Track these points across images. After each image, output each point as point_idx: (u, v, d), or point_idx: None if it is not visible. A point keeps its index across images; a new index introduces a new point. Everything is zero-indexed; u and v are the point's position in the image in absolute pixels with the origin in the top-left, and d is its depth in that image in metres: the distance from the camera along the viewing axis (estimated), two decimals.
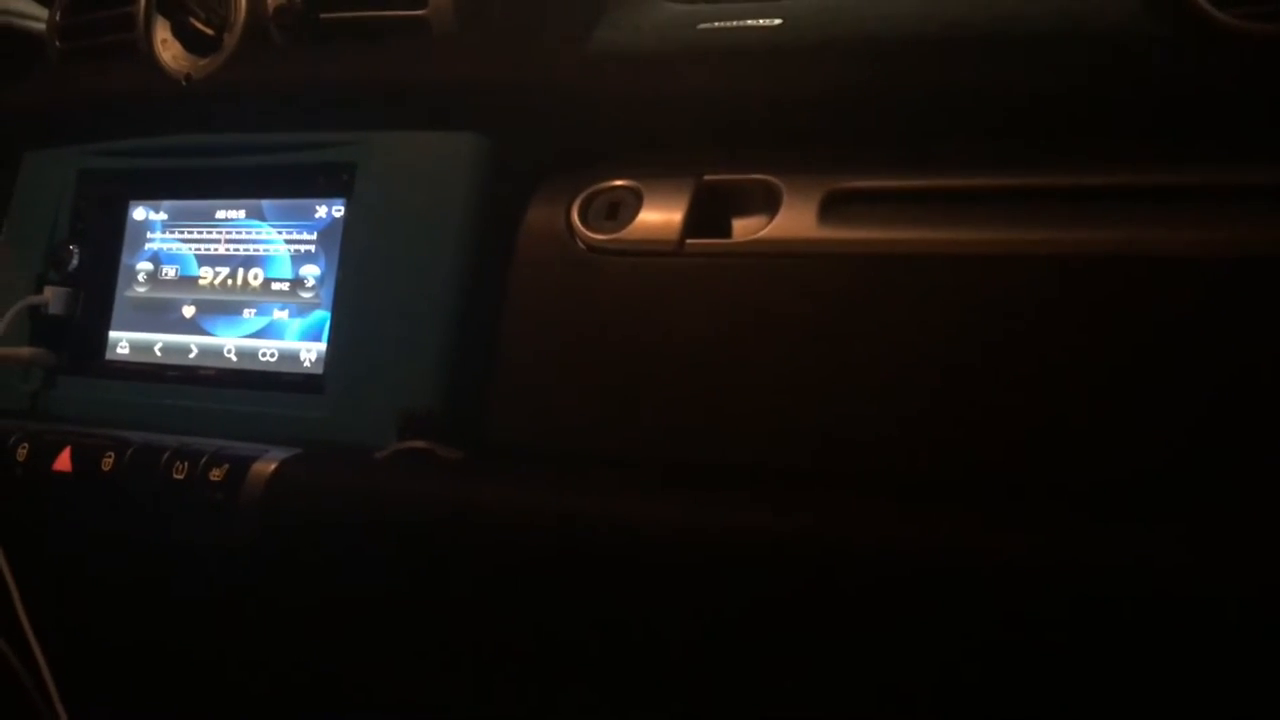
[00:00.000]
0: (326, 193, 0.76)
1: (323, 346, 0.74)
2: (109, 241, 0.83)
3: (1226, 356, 0.54)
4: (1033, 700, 0.53)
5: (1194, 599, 0.48)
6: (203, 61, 0.79)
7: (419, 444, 0.65)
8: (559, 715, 0.60)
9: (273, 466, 0.66)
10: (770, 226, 0.65)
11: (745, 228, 0.67)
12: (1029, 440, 0.58)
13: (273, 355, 0.76)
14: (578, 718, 0.60)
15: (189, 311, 0.80)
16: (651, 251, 0.68)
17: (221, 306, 0.78)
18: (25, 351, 0.81)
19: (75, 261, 0.82)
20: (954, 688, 0.54)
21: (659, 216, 0.68)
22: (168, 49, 0.80)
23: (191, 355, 0.79)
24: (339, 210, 0.76)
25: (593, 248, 0.69)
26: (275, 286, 0.77)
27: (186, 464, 0.67)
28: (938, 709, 0.55)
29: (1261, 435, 0.53)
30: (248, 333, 0.77)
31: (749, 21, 0.68)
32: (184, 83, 0.79)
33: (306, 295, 0.76)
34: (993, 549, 0.53)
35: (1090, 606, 0.50)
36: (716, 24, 0.69)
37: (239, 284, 0.78)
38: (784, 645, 0.57)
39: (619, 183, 0.70)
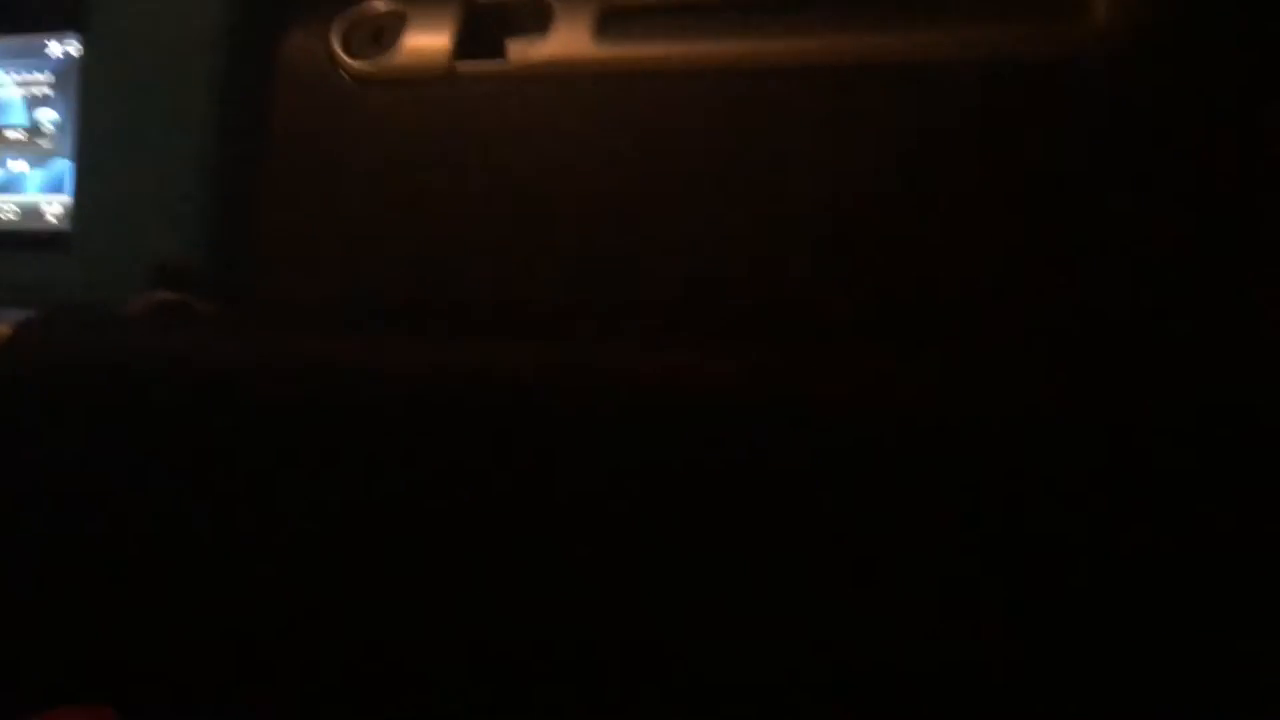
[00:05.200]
0: (58, 26, 0.68)
1: (67, 199, 0.67)
2: None
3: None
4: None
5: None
6: None
7: (170, 297, 0.59)
8: (330, 581, 0.57)
9: (7, 331, 0.60)
10: (543, 47, 0.61)
11: (518, 50, 0.62)
12: (819, 259, 0.56)
13: (13, 211, 0.69)
14: (345, 581, 0.56)
15: None
16: (420, 79, 0.62)
17: None
18: None
19: None
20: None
21: (426, 40, 0.63)
22: None
23: None
24: (74, 47, 0.68)
25: (357, 78, 0.63)
26: (10, 135, 0.69)
27: None
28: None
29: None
30: None
31: None
32: None
33: (45, 144, 0.68)
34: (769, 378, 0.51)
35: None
36: None
37: None
38: (553, 491, 0.55)
39: (381, 6, 0.64)
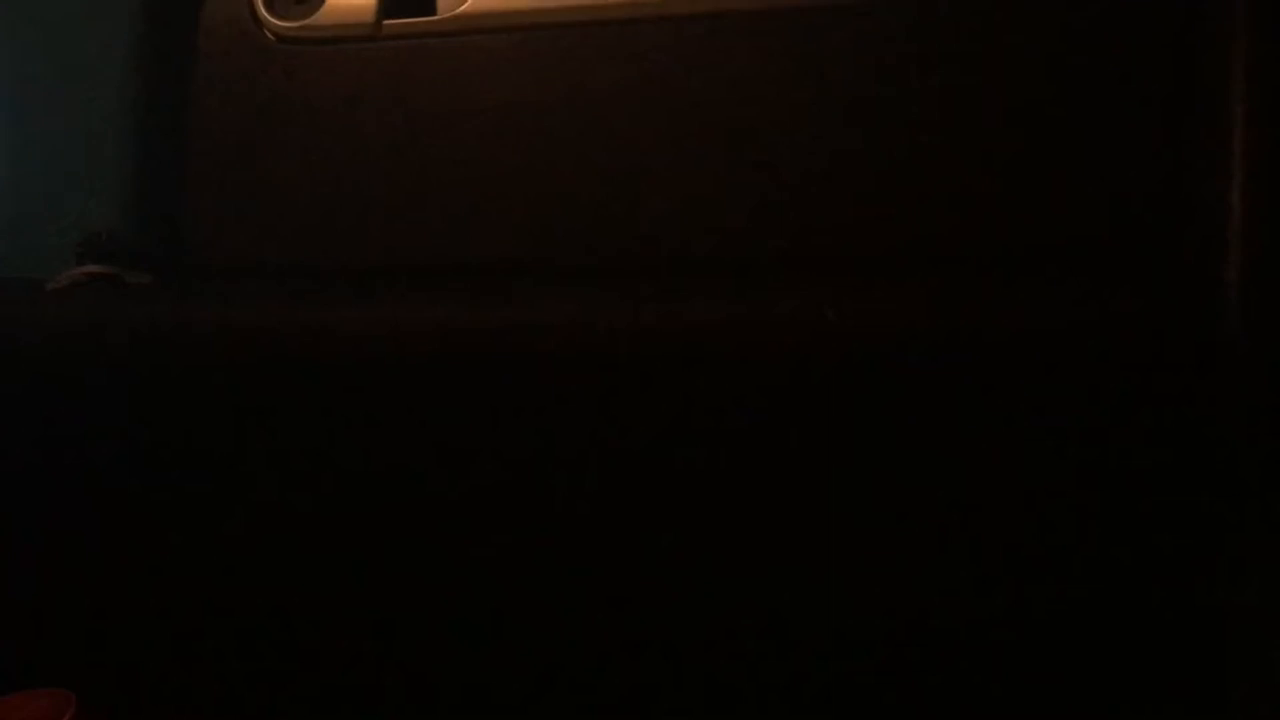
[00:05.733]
0: None
1: None
2: None
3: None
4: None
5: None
6: None
7: (98, 269, 0.58)
8: (268, 550, 0.56)
9: None
10: (470, 1, 0.60)
11: (446, 4, 0.61)
12: (755, 204, 0.55)
13: None
14: (282, 544, 0.56)
15: None
16: (346, 37, 0.61)
17: None
18: None
19: None
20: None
21: None
22: None
23: None
24: None
25: (282, 38, 0.62)
26: None
27: None
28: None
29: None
30: None
31: None
32: None
33: None
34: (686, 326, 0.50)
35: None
36: None
37: None
38: (515, 446, 0.54)
39: None
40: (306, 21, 0.61)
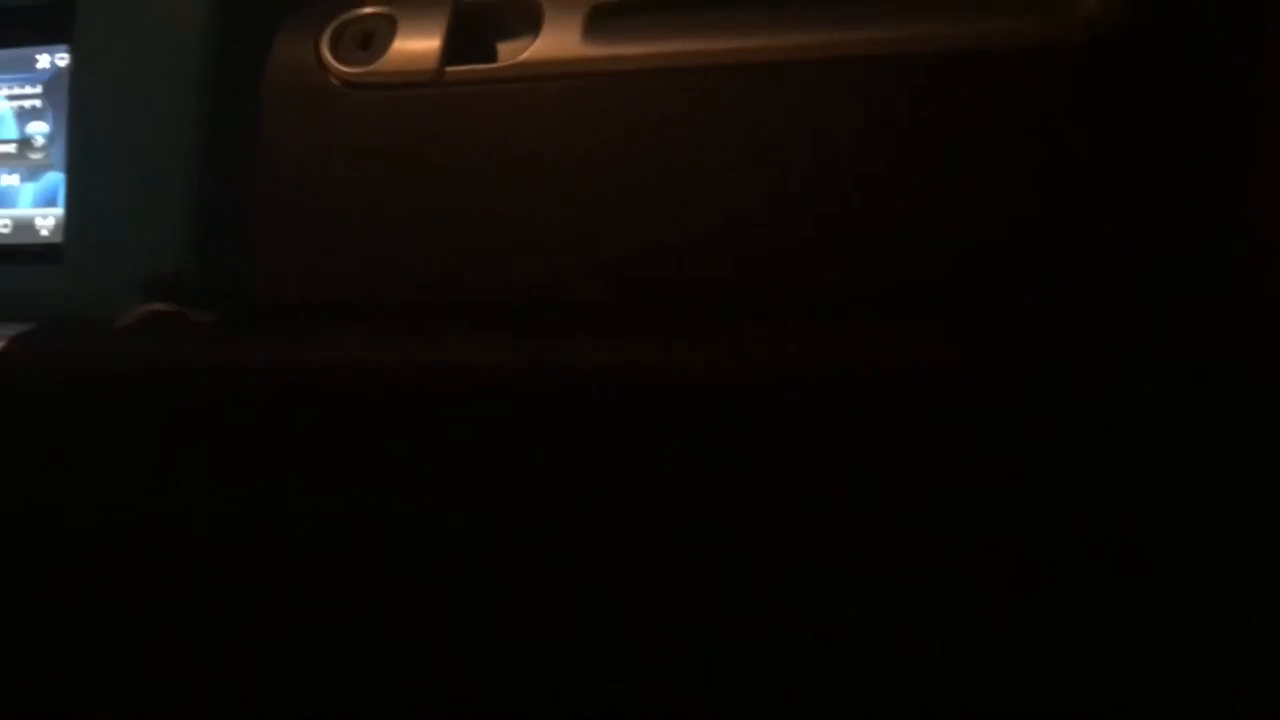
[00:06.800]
0: (45, 39, 0.68)
1: (60, 212, 0.67)
2: None
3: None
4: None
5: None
6: None
7: (164, 307, 0.59)
8: (337, 586, 0.57)
9: (3, 345, 0.59)
10: (532, 48, 0.61)
11: (508, 51, 0.62)
12: (811, 254, 0.55)
13: (5, 225, 0.69)
14: (344, 585, 0.56)
15: None
16: (410, 82, 0.62)
17: None
18: None
19: None
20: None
21: (415, 44, 0.63)
22: None
23: None
24: (62, 59, 0.67)
25: (346, 82, 0.63)
26: (1, 150, 0.69)
27: None
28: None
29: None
30: None
31: None
32: None
33: (36, 156, 0.68)
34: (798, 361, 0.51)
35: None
36: None
37: None
38: (566, 485, 0.54)
39: (370, 10, 0.64)
40: (371, 67, 0.63)
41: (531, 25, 0.61)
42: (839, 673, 0.51)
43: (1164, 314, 0.49)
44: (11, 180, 0.68)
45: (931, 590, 0.49)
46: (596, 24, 0.60)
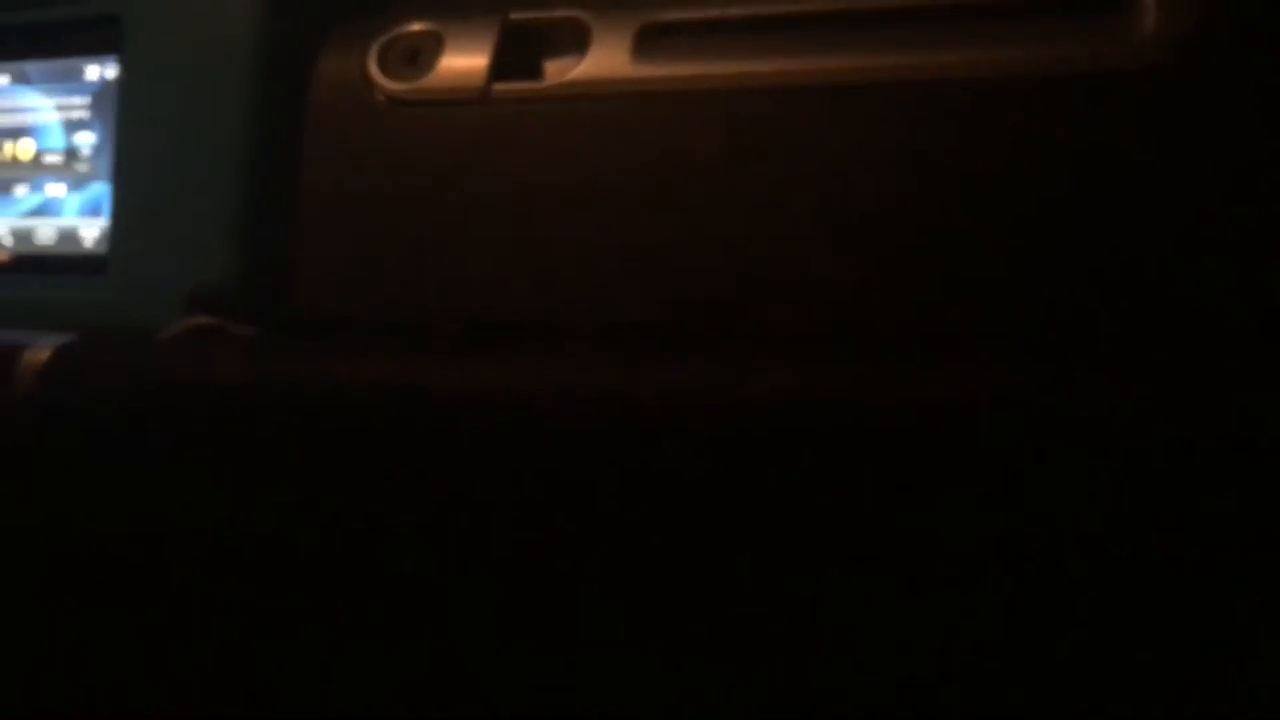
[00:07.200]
0: (95, 50, 0.68)
1: (104, 223, 0.67)
2: None
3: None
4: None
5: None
6: None
7: (206, 320, 0.59)
8: (372, 602, 0.56)
9: (45, 355, 0.59)
10: (580, 67, 0.60)
11: (555, 70, 0.62)
12: (863, 279, 0.55)
13: (51, 235, 0.69)
14: (389, 601, 0.56)
15: None
16: (456, 99, 0.62)
17: None
18: None
19: None
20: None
21: (462, 61, 0.62)
22: None
23: None
24: (111, 71, 0.68)
25: (393, 98, 0.63)
26: (48, 159, 0.69)
27: None
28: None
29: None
30: (21, 212, 0.70)
31: None
32: None
33: (83, 167, 0.68)
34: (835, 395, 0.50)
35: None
36: None
37: (8, 158, 0.70)
38: (606, 510, 0.54)
39: (418, 26, 0.64)
40: (417, 83, 0.63)
41: (580, 44, 0.61)
42: (835, 689, 0.50)
43: (1230, 351, 0.48)
44: (57, 190, 0.69)
45: (929, 612, 0.48)
46: (646, 44, 0.60)
